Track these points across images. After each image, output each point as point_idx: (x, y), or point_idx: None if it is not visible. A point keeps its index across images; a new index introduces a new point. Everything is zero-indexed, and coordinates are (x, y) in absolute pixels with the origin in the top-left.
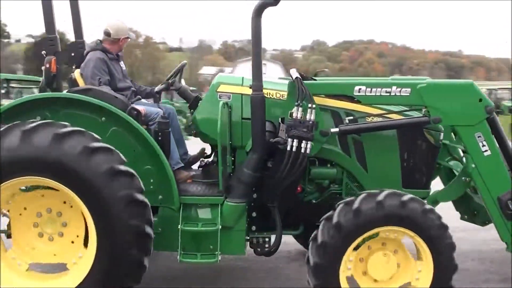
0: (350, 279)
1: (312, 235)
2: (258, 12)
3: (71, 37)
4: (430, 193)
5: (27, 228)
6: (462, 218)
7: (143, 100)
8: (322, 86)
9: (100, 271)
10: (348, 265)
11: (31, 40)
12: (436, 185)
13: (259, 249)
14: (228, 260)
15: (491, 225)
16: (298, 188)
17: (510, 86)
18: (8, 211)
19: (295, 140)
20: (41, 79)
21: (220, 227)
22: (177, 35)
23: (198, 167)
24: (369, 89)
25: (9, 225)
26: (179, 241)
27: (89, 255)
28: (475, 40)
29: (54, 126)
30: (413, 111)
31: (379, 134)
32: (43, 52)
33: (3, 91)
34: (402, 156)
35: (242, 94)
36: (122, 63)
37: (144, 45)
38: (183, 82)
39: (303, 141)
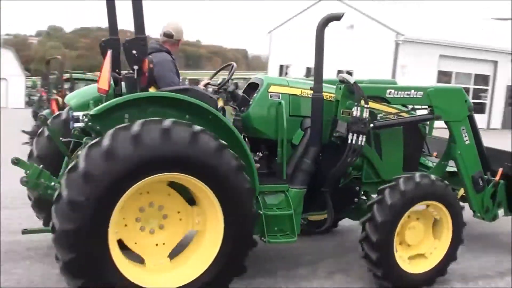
0: None
1: (366, 217)
2: (323, 25)
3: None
4: None
5: (132, 224)
6: (475, 216)
7: None
8: (365, 89)
9: (225, 255)
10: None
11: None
12: None
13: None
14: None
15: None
16: None
17: (246, 76)
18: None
19: (355, 135)
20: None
21: (293, 210)
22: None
23: None
24: (396, 92)
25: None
26: (264, 224)
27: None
28: (213, 31)
29: (186, 125)
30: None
31: (392, 128)
32: (134, 52)
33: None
34: (404, 146)
35: (289, 94)
36: None
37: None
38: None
39: (360, 135)
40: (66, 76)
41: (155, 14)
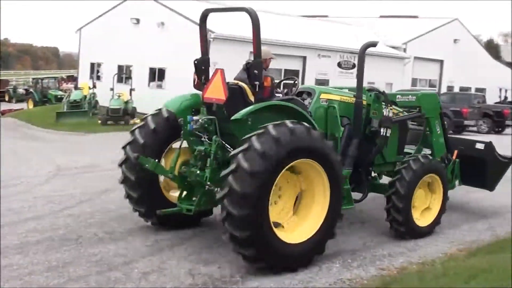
0: None
1: (390, 191)
2: (364, 50)
3: None
4: None
5: None
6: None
7: None
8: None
9: (326, 226)
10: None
11: None
12: None
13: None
14: None
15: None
16: None
17: (56, 76)
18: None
19: (385, 128)
20: None
21: (348, 186)
22: None
23: None
24: (401, 97)
25: None
26: None
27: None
28: (22, 29)
29: (299, 124)
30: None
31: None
32: (255, 71)
33: None
34: (398, 135)
35: (335, 100)
36: None
37: None
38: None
39: (388, 129)
40: None
41: None
